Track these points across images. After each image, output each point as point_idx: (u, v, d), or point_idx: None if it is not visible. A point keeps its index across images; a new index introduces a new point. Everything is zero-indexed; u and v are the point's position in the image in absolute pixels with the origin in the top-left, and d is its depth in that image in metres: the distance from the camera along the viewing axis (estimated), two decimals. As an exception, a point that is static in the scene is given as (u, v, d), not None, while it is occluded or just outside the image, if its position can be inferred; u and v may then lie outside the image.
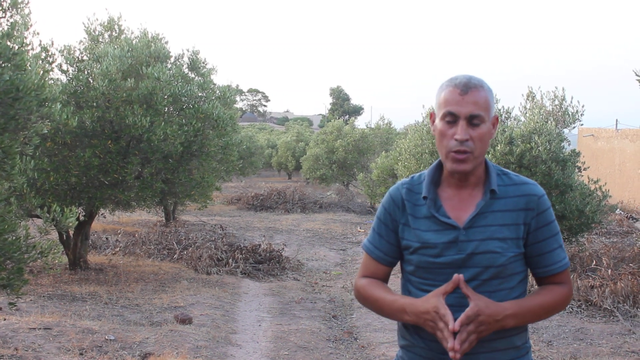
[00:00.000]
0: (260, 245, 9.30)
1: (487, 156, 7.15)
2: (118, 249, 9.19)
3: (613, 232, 11.79)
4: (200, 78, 8.20)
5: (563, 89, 9.51)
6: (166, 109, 7.29)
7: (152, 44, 7.57)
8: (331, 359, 5.32)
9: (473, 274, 1.80)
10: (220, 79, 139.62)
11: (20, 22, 4.02)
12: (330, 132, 20.54)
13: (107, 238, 10.06)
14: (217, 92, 8.57)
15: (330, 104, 67.52)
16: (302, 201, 16.88)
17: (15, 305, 4.54)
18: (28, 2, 4.16)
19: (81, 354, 4.69)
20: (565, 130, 9.39)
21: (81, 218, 7.42)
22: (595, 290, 6.70)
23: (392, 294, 1.90)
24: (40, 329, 5.10)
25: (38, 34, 4.33)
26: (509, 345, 1.85)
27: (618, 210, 13.95)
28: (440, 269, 1.83)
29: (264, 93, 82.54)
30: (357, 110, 67.06)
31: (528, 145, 7.36)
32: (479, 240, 1.81)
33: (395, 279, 2.28)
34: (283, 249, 9.68)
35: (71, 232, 7.70)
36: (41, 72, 4.04)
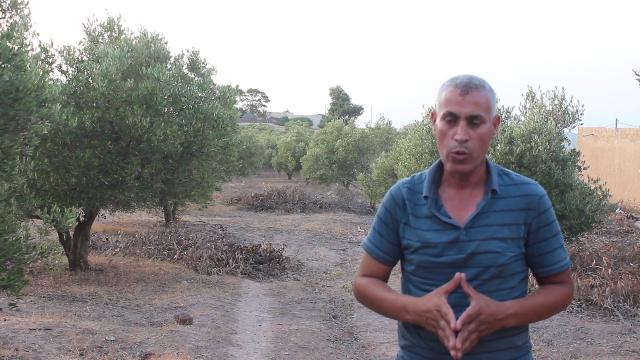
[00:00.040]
0: (260, 245, 9.29)
1: (487, 156, 7.16)
2: (118, 250, 9.18)
3: (613, 232, 11.79)
4: (200, 78, 8.21)
5: (563, 89, 9.55)
6: (166, 109, 7.29)
7: (152, 45, 7.57)
8: (331, 359, 5.32)
9: (474, 274, 1.80)
10: (220, 79, 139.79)
11: (19, 22, 4.03)
12: (330, 132, 20.54)
13: (107, 238, 10.05)
14: (217, 92, 8.56)
15: (330, 104, 67.58)
16: (302, 201, 16.88)
17: (16, 306, 4.55)
18: (28, 3, 4.17)
19: (81, 354, 4.69)
20: (565, 130, 9.41)
21: (81, 219, 7.41)
22: (596, 289, 6.70)
23: (392, 293, 1.90)
24: (40, 329, 5.10)
25: (38, 34, 4.34)
26: (510, 345, 1.85)
27: (618, 209, 13.95)
28: (441, 269, 1.83)
29: (263, 93, 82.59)
30: (357, 110, 67.07)
31: (528, 144, 7.36)
32: (479, 240, 1.81)
33: (395, 279, 2.28)
34: (283, 249, 9.67)
35: (71, 233, 7.69)
36: (41, 72, 4.04)
